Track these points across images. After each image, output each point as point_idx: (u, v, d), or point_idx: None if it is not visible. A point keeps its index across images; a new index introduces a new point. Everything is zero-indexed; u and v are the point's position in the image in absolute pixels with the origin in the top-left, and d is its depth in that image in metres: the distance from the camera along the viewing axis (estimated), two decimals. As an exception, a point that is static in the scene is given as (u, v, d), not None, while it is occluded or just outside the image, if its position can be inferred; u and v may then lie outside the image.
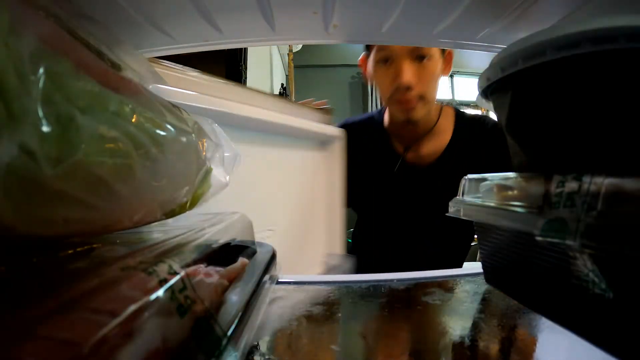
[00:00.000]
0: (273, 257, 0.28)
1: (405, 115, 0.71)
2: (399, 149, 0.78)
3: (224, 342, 0.15)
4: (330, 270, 0.69)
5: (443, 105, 0.80)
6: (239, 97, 0.54)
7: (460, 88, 3.51)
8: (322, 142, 0.73)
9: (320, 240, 0.74)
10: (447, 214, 0.34)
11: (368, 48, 0.76)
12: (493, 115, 0.79)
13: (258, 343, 0.27)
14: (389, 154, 0.78)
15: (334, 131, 0.73)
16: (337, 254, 0.74)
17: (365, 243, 0.86)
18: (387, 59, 0.69)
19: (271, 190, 0.63)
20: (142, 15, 0.35)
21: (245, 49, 1.47)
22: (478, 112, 0.84)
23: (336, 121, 0.79)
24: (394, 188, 0.77)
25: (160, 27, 0.38)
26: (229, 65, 1.45)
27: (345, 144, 0.74)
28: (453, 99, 3.51)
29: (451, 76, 3.51)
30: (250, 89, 0.60)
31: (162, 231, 0.22)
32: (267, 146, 0.62)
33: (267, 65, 2.05)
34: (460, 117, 0.79)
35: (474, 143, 0.75)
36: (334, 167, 0.74)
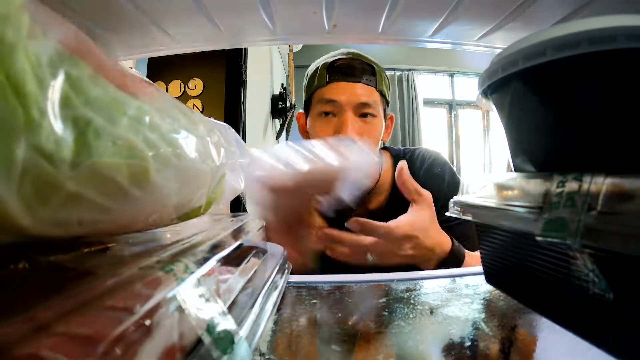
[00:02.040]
0: (283, 257, 0.28)
1: None
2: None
3: (237, 339, 0.16)
4: None
5: (380, 151, 0.75)
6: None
7: (460, 88, 3.52)
8: None
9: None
10: (445, 214, 0.34)
11: (307, 104, 0.70)
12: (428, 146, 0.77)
13: (258, 343, 0.27)
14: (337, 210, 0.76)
15: None
16: None
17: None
18: (330, 112, 0.65)
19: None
20: (145, 15, 0.35)
21: (245, 49, 1.48)
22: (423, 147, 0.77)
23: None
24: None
25: (162, 27, 0.38)
26: (229, 65, 1.45)
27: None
28: (453, 99, 3.51)
29: (451, 76, 3.51)
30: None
31: (176, 232, 0.23)
32: None
33: (267, 65, 2.05)
34: (397, 160, 0.73)
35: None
36: None
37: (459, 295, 0.36)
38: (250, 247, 0.27)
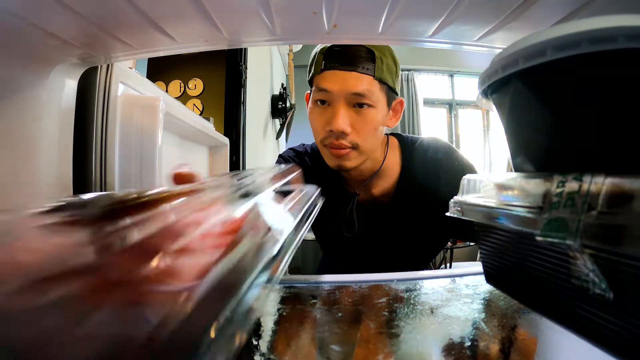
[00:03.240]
0: (318, 191, 0.40)
1: (335, 162, 0.65)
2: (349, 189, 0.73)
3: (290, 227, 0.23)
4: None
5: (388, 137, 0.75)
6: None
7: (460, 88, 3.52)
8: (217, 148, 1.05)
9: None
10: (446, 214, 0.34)
11: (311, 84, 0.69)
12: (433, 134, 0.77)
13: (258, 343, 0.27)
14: (342, 195, 0.73)
15: (225, 139, 1.05)
16: None
17: (327, 268, 0.85)
18: (324, 101, 0.63)
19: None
20: (144, 17, 0.35)
21: (245, 49, 1.47)
22: (430, 136, 0.76)
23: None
24: (350, 229, 0.72)
25: (161, 28, 0.38)
26: (229, 65, 1.45)
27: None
28: (453, 99, 3.51)
29: (451, 76, 3.51)
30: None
31: (241, 176, 0.31)
32: (186, 149, 0.85)
33: (267, 65, 2.05)
34: (405, 147, 0.73)
35: (424, 171, 0.70)
36: (224, 166, 1.07)
37: (459, 295, 0.36)
38: (294, 186, 0.38)
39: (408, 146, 0.73)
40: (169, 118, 0.60)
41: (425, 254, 0.78)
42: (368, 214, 0.72)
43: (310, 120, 0.67)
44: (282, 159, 0.79)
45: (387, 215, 0.72)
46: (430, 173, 0.69)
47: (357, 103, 0.61)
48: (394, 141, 0.75)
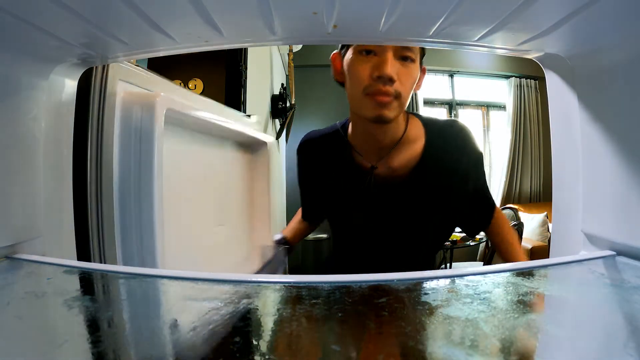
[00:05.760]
0: None
1: (376, 112, 0.65)
2: (364, 163, 0.74)
3: None
4: (266, 261, 0.83)
5: (409, 113, 0.76)
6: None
7: (460, 88, 3.52)
8: (255, 147, 0.95)
9: (258, 233, 0.97)
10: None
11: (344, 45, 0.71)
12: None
13: (258, 343, 0.27)
14: (354, 169, 0.74)
15: (265, 137, 0.96)
16: (269, 245, 0.90)
17: (343, 249, 0.86)
18: (370, 50, 0.65)
19: (220, 189, 0.79)
20: (143, 17, 0.35)
21: (245, 49, 1.47)
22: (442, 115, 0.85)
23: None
24: (366, 204, 0.73)
25: (160, 28, 0.38)
26: (229, 65, 1.45)
27: (304, 156, 0.84)
28: (453, 99, 3.51)
29: (451, 76, 3.51)
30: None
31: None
32: (215, 148, 0.78)
33: (267, 65, 2.05)
34: (428, 123, 0.75)
35: (449, 149, 0.72)
36: (264, 168, 0.96)
37: (459, 295, 0.36)
38: None
39: (430, 121, 0.76)
40: (176, 114, 0.58)
41: (436, 237, 0.80)
42: (385, 189, 0.73)
43: (352, 71, 0.67)
44: (302, 148, 0.84)
45: (406, 189, 0.73)
46: (454, 149, 0.72)
47: (402, 56, 0.64)
48: (413, 117, 0.77)
